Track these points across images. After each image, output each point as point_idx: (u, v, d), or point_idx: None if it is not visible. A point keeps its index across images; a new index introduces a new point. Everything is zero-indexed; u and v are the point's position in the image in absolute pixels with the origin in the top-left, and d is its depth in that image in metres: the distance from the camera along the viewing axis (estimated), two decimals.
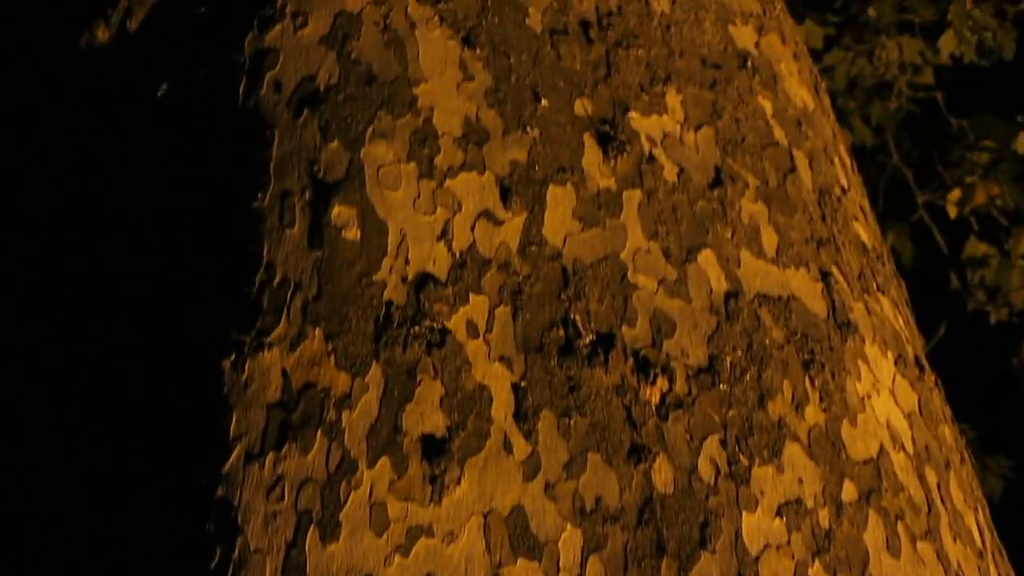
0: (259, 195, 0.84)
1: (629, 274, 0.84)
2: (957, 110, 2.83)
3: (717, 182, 0.93)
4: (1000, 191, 2.40)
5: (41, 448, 0.84)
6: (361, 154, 0.84)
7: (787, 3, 2.89)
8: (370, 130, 0.85)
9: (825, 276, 0.93)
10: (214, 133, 0.91)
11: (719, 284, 0.86)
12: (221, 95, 0.92)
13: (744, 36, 1.09)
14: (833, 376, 0.86)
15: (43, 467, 0.83)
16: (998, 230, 2.50)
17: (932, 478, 0.89)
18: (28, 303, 0.95)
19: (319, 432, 0.73)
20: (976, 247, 2.47)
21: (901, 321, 1.02)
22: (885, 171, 2.69)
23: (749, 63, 1.05)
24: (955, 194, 2.41)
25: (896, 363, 0.94)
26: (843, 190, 1.07)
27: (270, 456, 0.73)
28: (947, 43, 2.53)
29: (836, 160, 1.11)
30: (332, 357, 0.75)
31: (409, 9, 0.93)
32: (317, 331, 0.77)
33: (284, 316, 0.78)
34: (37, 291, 0.95)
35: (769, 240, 0.92)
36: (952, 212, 2.42)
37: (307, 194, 0.83)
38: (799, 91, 1.11)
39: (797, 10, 2.62)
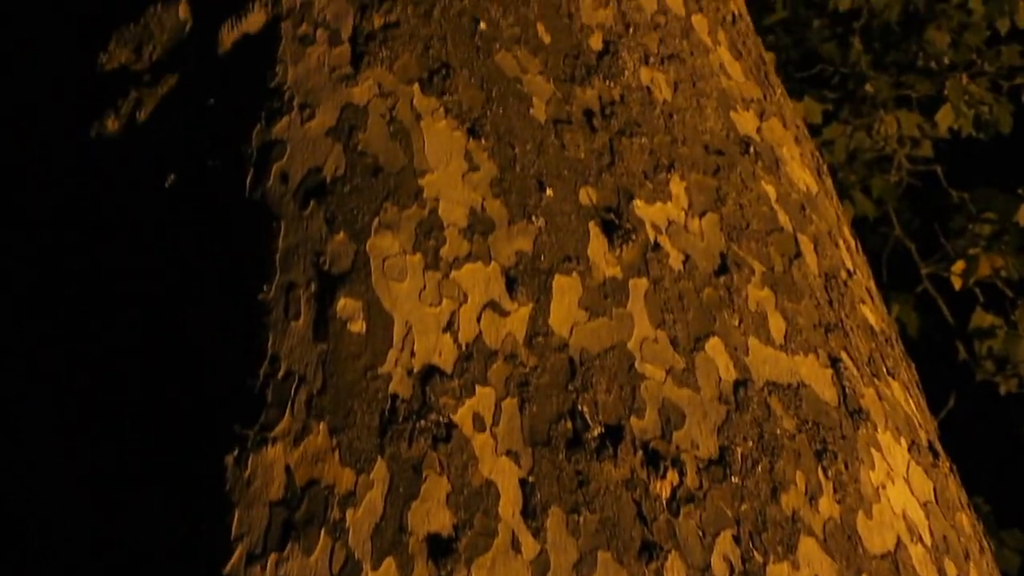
0: (264, 287, 0.84)
1: (637, 364, 0.83)
2: (957, 182, 2.85)
3: (723, 269, 0.93)
4: (1004, 263, 2.41)
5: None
6: (367, 246, 0.84)
7: (786, 81, 2.94)
8: (376, 221, 0.86)
9: (834, 362, 0.92)
10: (221, 224, 0.92)
11: (728, 373, 0.85)
12: (228, 186, 0.93)
13: (746, 122, 1.10)
14: (846, 466, 0.84)
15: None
16: (1004, 300, 2.50)
17: (952, 570, 0.86)
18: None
19: (323, 532, 0.71)
20: (982, 318, 2.47)
21: (912, 405, 1.01)
22: (888, 242, 2.70)
23: (751, 148, 1.06)
24: (959, 266, 2.42)
25: (910, 450, 0.93)
26: (849, 273, 1.07)
27: (272, 557, 0.71)
28: (945, 117, 2.56)
29: (841, 243, 1.11)
30: (336, 453, 0.74)
31: (415, 101, 0.94)
32: (322, 426, 0.76)
33: (288, 410, 0.77)
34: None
35: (777, 327, 0.92)
36: (957, 284, 2.42)
37: (313, 286, 0.83)
38: (802, 175, 1.12)
39: (796, 87, 2.66)
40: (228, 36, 1.05)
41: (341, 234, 0.85)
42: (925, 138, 2.70)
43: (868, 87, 2.66)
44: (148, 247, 0.96)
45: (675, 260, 0.91)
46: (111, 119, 1.10)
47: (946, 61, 3.00)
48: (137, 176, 1.03)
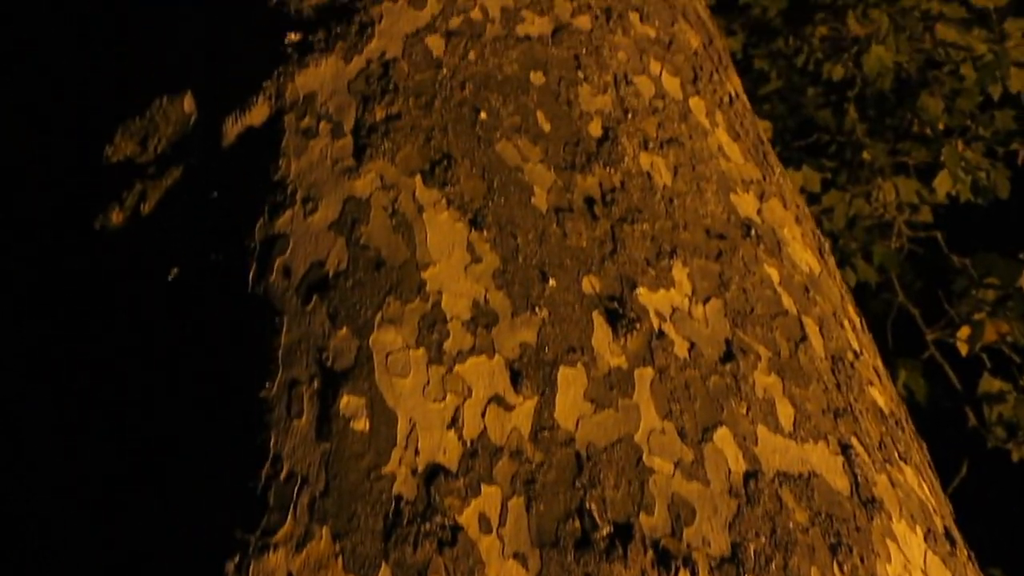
0: (267, 384, 0.83)
1: (644, 457, 0.82)
2: (959, 246, 2.86)
3: (729, 356, 0.92)
4: (1009, 328, 2.40)
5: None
6: (370, 341, 0.84)
7: (783, 150, 2.97)
8: (379, 316, 0.85)
9: (845, 449, 0.91)
10: (223, 319, 0.91)
11: (737, 464, 0.84)
12: (231, 281, 0.93)
13: (746, 204, 1.11)
14: (862, 560, 0.82)
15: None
16: (1011, 365, 2.48)
17: None
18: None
19: None
20: (990, 383, 2.44)
21: (926, 489, 0.99)
22: (892, 309, 2.70)
23: (753, 231, 1.07)
24: (964, 331, 2.41)
25: (926, 539, 0.90)
26: (855, 354, 1.06)
27: None
28: (942, 183, 2.58)
29: (846, 322, 1.10)
30: (340, 559, 0.73)
31: (417, 193, 0.95)
32: (324, 530, 0.74)
33: (291, 514, 0.75)
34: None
35: (785, 414, 0.90)
36: (963, 350, 2.41)
37: (315, 383, 0.82)
38: (804, 255, 1.12)
39: (794, 156, 2.69)
40: (232, 129, 1.07)
41: (344, 329, 0.85)
42: (924, 204, 2.72)
43: (865, 154, 2.69)
44: (150, 342, 0.96)
45: (680, 348, 0.91)
46: (116, 212, 1.11)
47: (941, 127, 3.04)
48: (141, 270, 1.03)
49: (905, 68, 3.10)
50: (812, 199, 2.78)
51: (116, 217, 1.11)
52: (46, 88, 1.30)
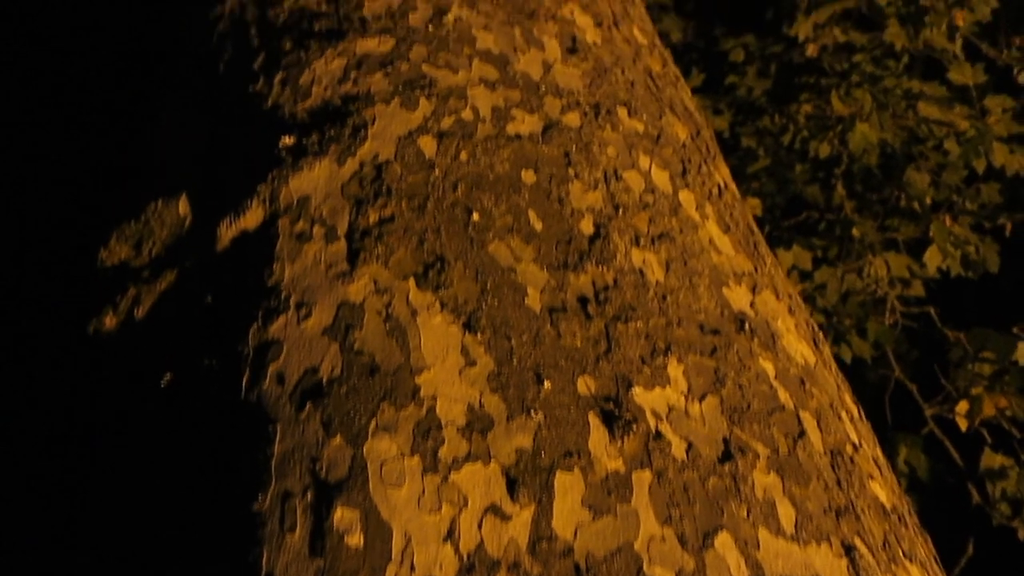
0: (260, 496, 0.82)
1: (645, 567, 0.80)
2: (953, 317, 2.86)
3: (727, 455, 0.91)
4: (1008, 403, 2.39)
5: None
6: (364, 450, 0.83)
7: (773, 229, 2.98)
8: (373, 423, 0.85)
9: (848, 551, 0.89)
10: (216, 427, 0.90)
11: (740, 572, 0.82)
12: (224, 388, 0.92)
13: (739, 297, 1.11)
14: None
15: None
16: (1012, 441, 2.46)
17: None
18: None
19: None
20: (992, 459, 2.42)
21: None
22: (889, 383, 2.69)
23: (747, 325, 1.07)
24: (963, 406, 2.40)
25: None
26: (855, 447, 1.05)
27: None
28: (932, 258, 2.60)
29: (843, 414, 1.10)
30: None
31: (410, 296, 0.95)
32: None
33: None
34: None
35: (786, 515, 0.89)
36: (963, 425, 2.40)
37: (309, 495, 0.81)
38: (798, 347, 1.12)
39: (784, 235, 2.71)
40: (227, 232, 1.08)
41: (338, 438, 0.84)
42: (915, 278, 2.74)
43: (854, 231, 2.72)
44: (141, 451, 0.95)
45: (678, 449, 0.90)
46: (109, 316, 1.11)
47: (928, 201, 3.08)
48: (133, 375, 1.03)
49: (890, 144, 3.16)
50: (804, 276, 2.79)
51: (110, 321, 1.10)
52: (41, 188, 1.31)
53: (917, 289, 2.75)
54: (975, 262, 2.56)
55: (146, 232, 1.16)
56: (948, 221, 2.64)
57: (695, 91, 3.56)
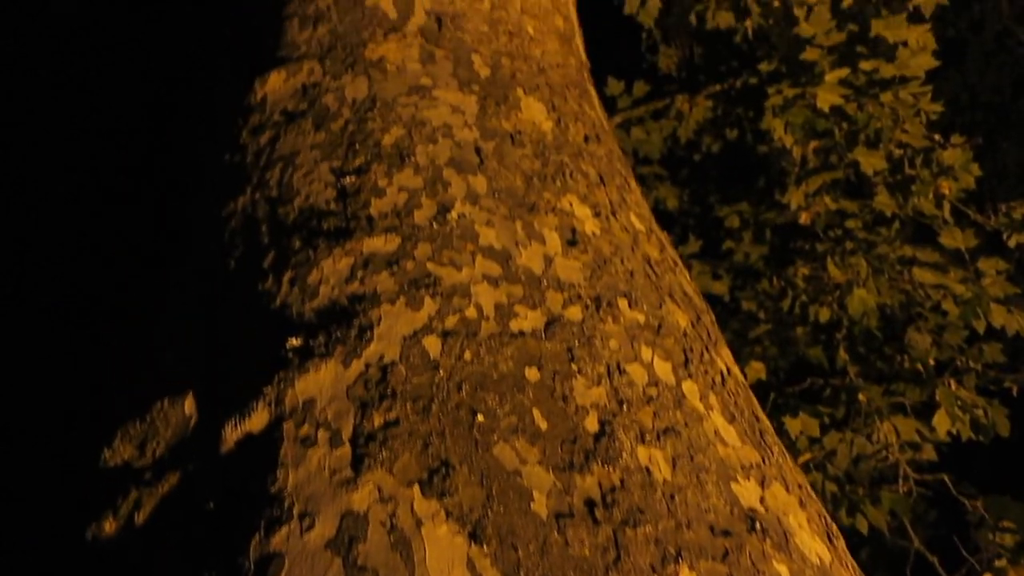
0: None
1: None
2: (969, 477, 2.81)
3: None
4: None
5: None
6: None
7: (778, 397, 2.98)
8: None
9: None
10: None
11: None
12: None
13: (749, 493, 1.09)
14: None
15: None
16: None
17: None
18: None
19: None
20: None
21: None
22: (908, 556, 2.61)
23: (758, 524, 1.05)
24: None
25: None
26: None
27: None
28: (941, 422, 2.58)
29: None
30: None
31: (415, 505, 0.94)
32: None
33: None
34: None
35: None
36: None
37: None
38: (812, 544, 1.09)
39: (790, 403, 2.71)
40: (231, 434, 1.07)
41: None
42: (926, 442, 2.71)
43: (861, 397, 2.71)
44: None
45: None
46: (109, 520, 1.09)
47: (931, 362, 3.08)
48: None
49: (889, 306, 3.20)
50: (813, 441, 2.76)
51: (109, 526, 1.09)
52: (53, 381, 1.33)
53: (929, 453, 2.71)
54: (985, 426, 2.53)
55: (151, 432, 1.16)
56: (953, 385, 2.63)
57: (693, 257, 3.65)
